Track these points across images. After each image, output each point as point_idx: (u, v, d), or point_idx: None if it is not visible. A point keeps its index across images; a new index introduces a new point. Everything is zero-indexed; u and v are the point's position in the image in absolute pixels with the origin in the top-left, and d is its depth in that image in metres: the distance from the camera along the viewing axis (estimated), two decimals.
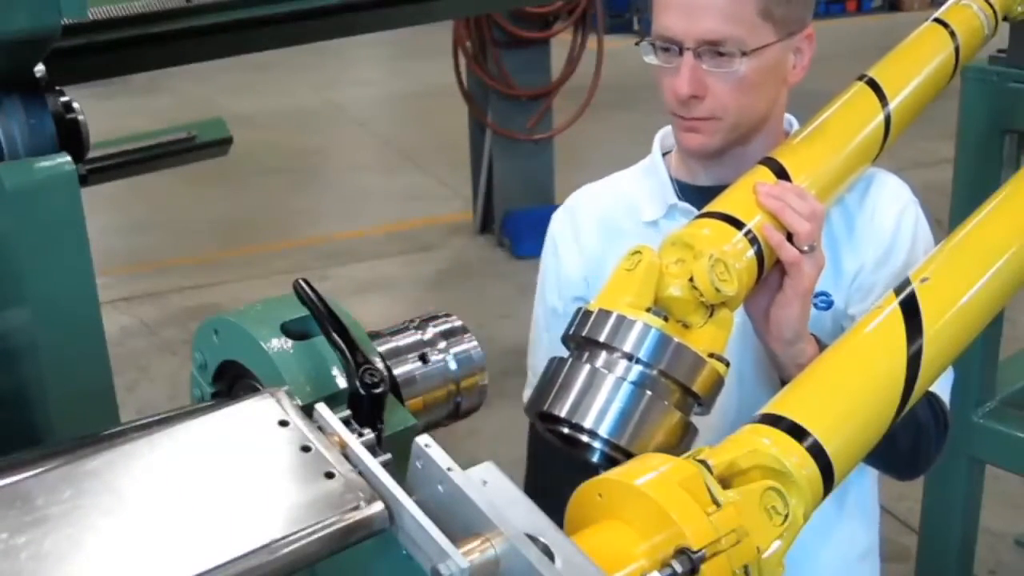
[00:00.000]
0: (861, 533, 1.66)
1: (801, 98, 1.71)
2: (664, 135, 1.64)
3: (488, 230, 6.27)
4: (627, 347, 1.23)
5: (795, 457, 1.07)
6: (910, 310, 1.27)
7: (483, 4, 4.45)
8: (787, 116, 1.62)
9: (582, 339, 1.27)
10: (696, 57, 1.42)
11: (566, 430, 1.25)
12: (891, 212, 1.55)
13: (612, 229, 1.59)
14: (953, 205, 2.59)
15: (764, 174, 1.44)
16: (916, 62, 1.74)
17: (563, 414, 1.23)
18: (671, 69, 1.45)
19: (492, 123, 6.00)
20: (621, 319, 1.24)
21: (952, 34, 1.81)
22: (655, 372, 1.22)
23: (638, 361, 1.22)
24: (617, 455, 1.21)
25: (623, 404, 1.21)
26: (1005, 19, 2.21)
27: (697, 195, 1.54)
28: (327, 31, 2.82)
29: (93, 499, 0.80)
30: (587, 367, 1.24)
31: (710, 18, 1.40)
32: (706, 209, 1.40)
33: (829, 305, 1.53)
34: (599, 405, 1.22)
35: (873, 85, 1.62)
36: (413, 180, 7.27)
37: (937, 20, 1.83)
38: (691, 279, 1.28)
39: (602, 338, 1.24)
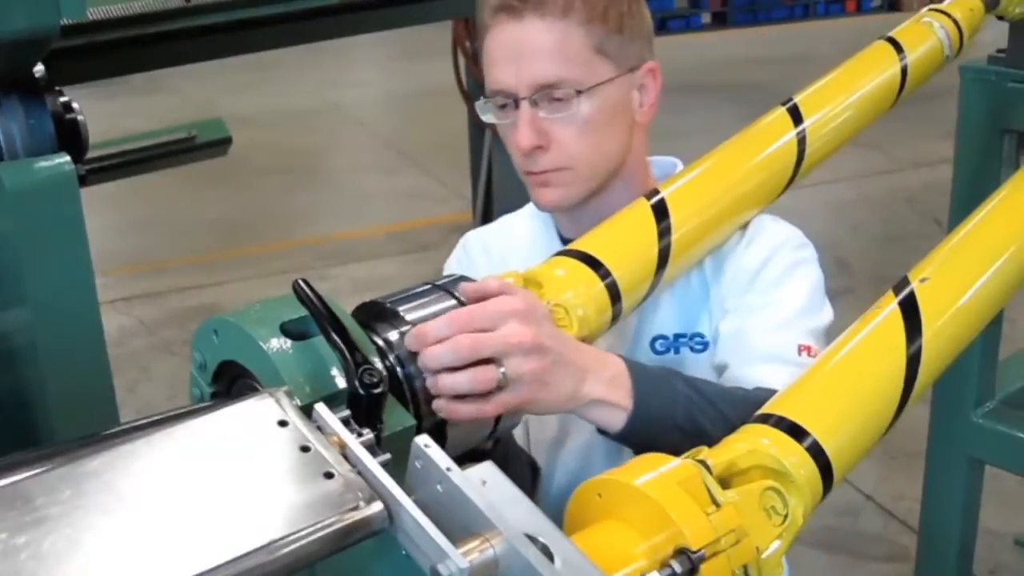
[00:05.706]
0: None
1: None
2: None
3: None
4: None
5: (794, 457, 1.07)
6: (909, 310, 1.27)
7: None
8: (671, 159, 1.56)
9: None
10: (533, 106, 1.37)
11: None
12: (760, 253, 1.45)
13: (503, 269, 1.49)
14: (953, 205, 2.59)
15: (643, 207, 1.39)
16: (849, 83, 1.71)
17: None
18: (511, 125, 1.40)
19: None
20: None
21: (901, 53, 1.79)
22: None
23: None
24: None
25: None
26: (1002, 19, 2.21)
27: None
28: (327, 31, 2.83)
29: (93, 499, 0.80)
30: None
31: (539, 61, 1.35)
32: (570, 246, 1.34)
33: (705, 347, 1.46)
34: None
35: (793, 110, 1.58)
36: (413, 180, 7.26)
37: (888, 38, 1.82)
38: None
39: None
